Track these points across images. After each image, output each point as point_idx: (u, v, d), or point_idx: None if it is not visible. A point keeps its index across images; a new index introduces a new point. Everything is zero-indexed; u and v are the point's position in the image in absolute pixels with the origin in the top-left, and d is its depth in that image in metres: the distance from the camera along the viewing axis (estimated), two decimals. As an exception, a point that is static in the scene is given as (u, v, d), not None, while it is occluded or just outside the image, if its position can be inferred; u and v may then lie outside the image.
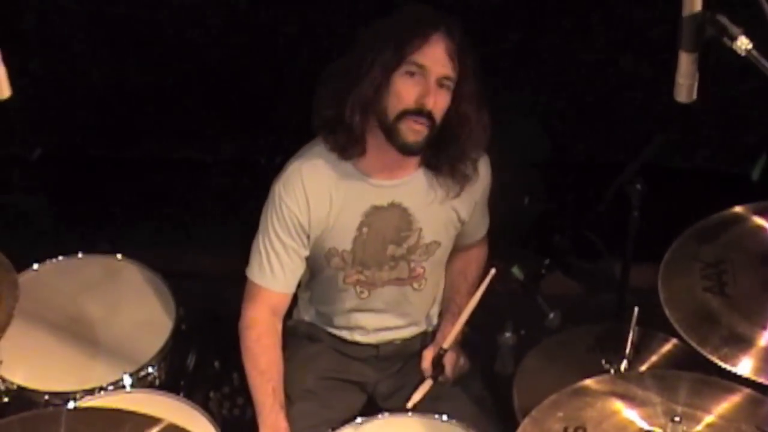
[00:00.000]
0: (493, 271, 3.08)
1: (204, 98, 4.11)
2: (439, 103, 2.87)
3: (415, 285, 3.16)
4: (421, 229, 3.08)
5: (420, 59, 2.84)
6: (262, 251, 3.07)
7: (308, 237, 3.05)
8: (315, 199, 3.00)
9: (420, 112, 2.85)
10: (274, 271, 3.06)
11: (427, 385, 3.12)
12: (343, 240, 3.05)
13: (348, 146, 2.96)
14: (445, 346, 3.12)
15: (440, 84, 2.86)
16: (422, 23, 2.86)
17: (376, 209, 3.03)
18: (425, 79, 2.84)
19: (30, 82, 3.91)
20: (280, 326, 3.14)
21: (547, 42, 3.90)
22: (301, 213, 3.01)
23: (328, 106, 2.95)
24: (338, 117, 2.92)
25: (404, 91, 2.86)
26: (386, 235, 3.06)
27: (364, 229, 3.04)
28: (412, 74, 2.85)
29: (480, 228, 3.32)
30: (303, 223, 3.02)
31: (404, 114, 2.86)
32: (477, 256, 3.36)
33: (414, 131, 2.87)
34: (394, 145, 2.90)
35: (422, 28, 2.85)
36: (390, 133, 2.90)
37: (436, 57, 2.84)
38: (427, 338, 3.29)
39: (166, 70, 4.04)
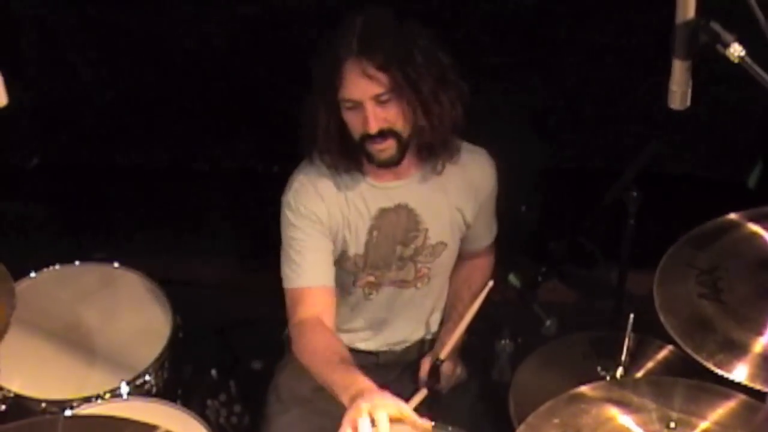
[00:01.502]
0: (491, 283, 3.07)
1: (202, 107, 4.12)
2: (388, 117, 2.86)
3: (419, 284, 3.17)
4: (427, 230, 3.09)
5: (346, 95, 2.84)
6: (291, 256, 3.04)
7: (330, 237, 3.06)
8: (329, 202, 3.02)
9: (368, 136, 2.86)
10: (304, 266, 3.03)
11: (421, 394, 3.11)
12: (355, 244, 3.07)
13: (341, 166, 3.00)
14: (442, 356, 3.11)
15: (378, 101, 2.84)
16: (334, 56, 2.84)
17: (384, 211, 3.06)
18: (360, 107, 2.84)
19: (27, 90, 3.92)
20: (330, 321, 3.04)
21: (542, 49, 3.91)
22: (320, 209, 3.01)
23: (309, 140, 2.99)
24: (315, 148, 2.99)
25: (351, 122, 2.89)
26: (395, 236, 3.09)
27: (375, 233, 3.06)
28: (350, 108, 2.86)
29: (486, 234, 3.32)
30: (323, 220, 3.02)
31: (363, 140, 2.89)
32: (482, 265, 3.36)
33: (380, 150, 2.90)
34: (372, 164, 2.95)
35: (334, 63, 2.83)
36: (365, 155, 2.94)
37: (357, 85, 2.82)
38: (426, 346, 3.30)
39: (163, 78, 4.05)
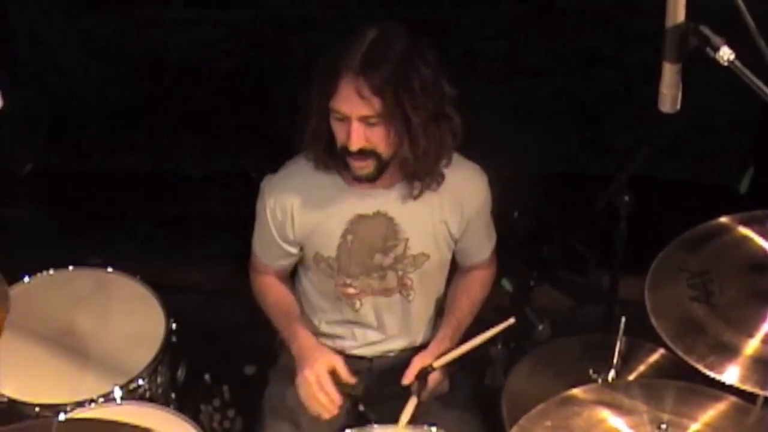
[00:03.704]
0: (512, 320, 3.05)
1: (196, 112, 4.13)
2: (372, 138, 2.85)
3: (403, 292, 3.17)
4: (407, 240, 3.08)
5: (336, 106, 2.83)
6: (255, 235, 3.20)
7: (295, 244, 3.12)
8: (299, 208, 3.04)
9: (347, 151, 2.87)
10: (263, 251, 3.21)
11: (412, 404, 3.11)
12: (327, 246, 3.08)
13: (328, 164, 3.00)
14: (436, 365, 3.11)
15: (367, 123, 2.84)
16: (332, 67, 2.83)
17: (360, 217, 3.05)
18: (346, 122, 2.84)
19: (21, 96, 3.92)
20: (287, 282, 3.30)
21: (534, 54, 3.92)
22: (287, 221, 3.06)
23: (303, 138, 3.00)
24: (307, 147, 3.01)
25: (336, 133, 2.89)
26: (373, 244, 3.08)
27: (349, 237, 3.06)
28: (338, 119, 2.86)
29: (483, 248, 3.30)
30: (287, 232, 3.08)
31: (344, 151, 2.89)
32: (482, 276, 3.34)
33: (358, 167, 2.91)
34: (350, 175, 2.96)
35: (333, 73, 2.82)
36: (344, 165, 2.95)
37: (349, 101, 2.81)
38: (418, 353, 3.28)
39: (157, 84, 4.06)
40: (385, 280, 3.14)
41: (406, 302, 3.19)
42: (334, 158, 2.97)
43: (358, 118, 2.82)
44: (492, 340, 3.39)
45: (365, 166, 2.90)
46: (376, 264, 3.10)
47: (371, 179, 2.95)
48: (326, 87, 2.84)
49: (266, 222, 3.10)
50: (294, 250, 3.13)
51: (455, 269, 3.32)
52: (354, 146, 2.84)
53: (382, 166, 2.93)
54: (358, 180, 2.96)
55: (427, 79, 2.86)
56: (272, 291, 3.25)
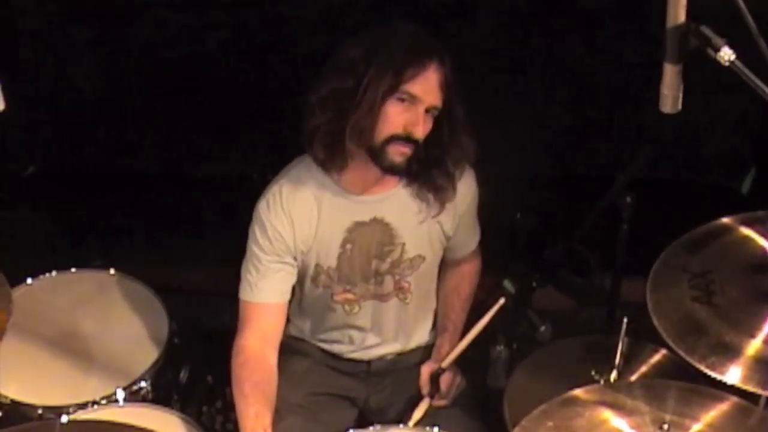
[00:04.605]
0: (502, 300, 3.07)
1: (198, 114, 4.14)
2: (426, 129, 2.88)
3: (400, 296, 3.17)
4: (404, 244, 3.09)
5: (413, 89, 2.83)
6: (251, 270, 3.07)
7: (294, 257, 3.07)
8: (298, 219, 3.02)
9: (408, 138, 2.86)
10: (261, 285, 3.06)
11: (424, 405, 3.12)
12: (327, 257, 3.07)
13: (331, 160, 2.97)
14: (444, 365, 3.13)
15: (430, 112, 2.87)
16: (420, 51, 2.84)
17: (358, 225, 3.05)
18: (415, 108, 2.84)
19: (23, 98, 3.92)
20: (271, 353, 3.10)
21: (537, 57, 3.93)
22: (286, 233, 3.02)
23: (326, 129, 2.92)
24: (334, 140, 2.92)
25: (394, 117, 2.85)
26: (370, 250, 3.08)
27: (348, 246, 3.06)
28: (402, 101, 2.84)
29: (470, 241, 3.33)
30: (288, 242, 3.03)
31: (392, 138, 2.87)
32: (469, 271, 3.37)
33: (400, 154, 2.89)
34: (380, 166, 2.91)
35: (419, 57, 2.83)
36: (376, 155, 2.90)
37: (429, 87, 2.84)
38: (417, 354, 3.30)
39: (160, 86, 4.07)
40: (382, 285, 3.14)
41: (403, 305, 3.20)
42: (342, 153, 2.93)
43: (428, 105, 2.85)
44: (494, 339, 3.41)
45: (407, 153, 2.89)
46: (374, 270, 3.11)
47: (402, 170, 2.93)
48: (402, 68, 2.82)
49: (267, 241, 3.02)
50: (295, 262, 3.08)
51: (442, 265, 3.32)
52: (420, 134, 2.86)
53: (410, 159, 2.92)
54: (390, 171, 2.93)
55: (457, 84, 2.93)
56: (253, 378, 3.03)
